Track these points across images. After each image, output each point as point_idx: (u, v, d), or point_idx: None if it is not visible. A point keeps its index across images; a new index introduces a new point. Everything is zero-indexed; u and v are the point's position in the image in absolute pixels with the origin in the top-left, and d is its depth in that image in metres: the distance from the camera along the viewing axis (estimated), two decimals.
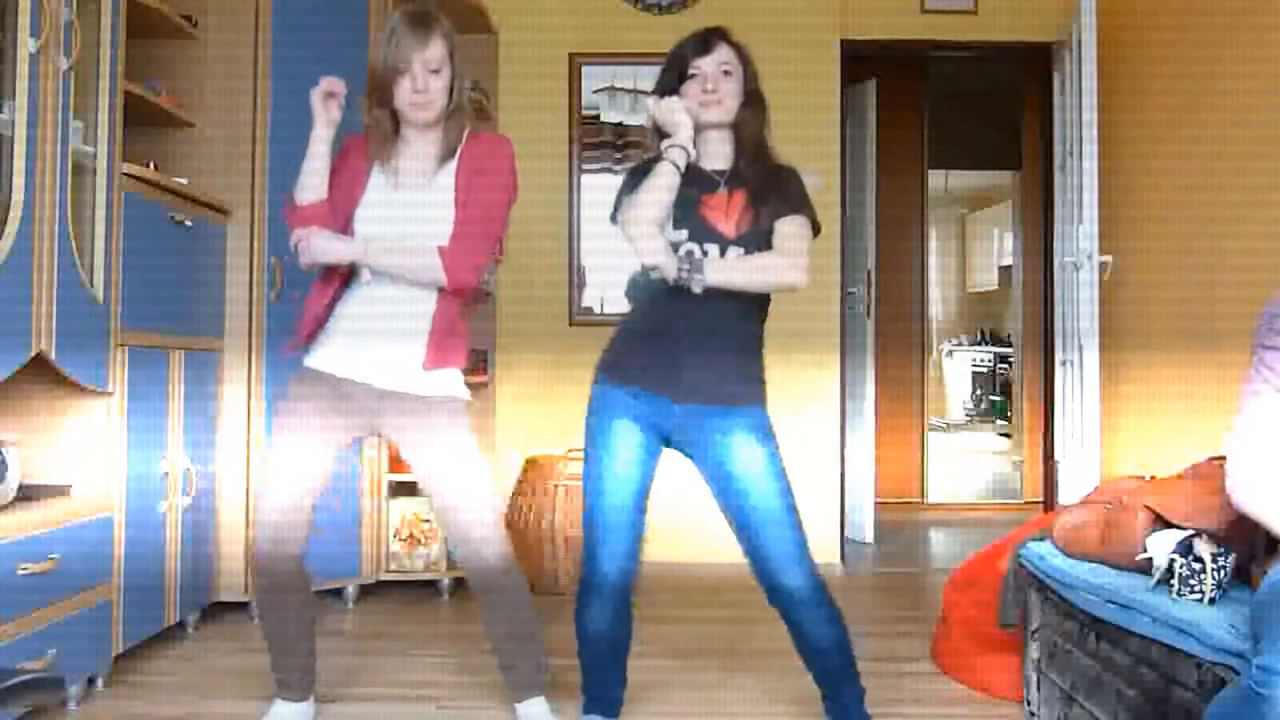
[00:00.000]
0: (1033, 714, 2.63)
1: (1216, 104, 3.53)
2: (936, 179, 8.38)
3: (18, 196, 2.50)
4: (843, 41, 4.92)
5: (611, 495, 2.38)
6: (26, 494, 2.74)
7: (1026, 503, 6.46)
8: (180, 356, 3.33)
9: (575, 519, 4.19)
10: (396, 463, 3.97)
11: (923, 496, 6.78)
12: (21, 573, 2.48)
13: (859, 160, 5.46)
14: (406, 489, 4.07)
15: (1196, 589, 2.02)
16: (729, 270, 2.26)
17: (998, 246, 10.98)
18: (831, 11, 4.91)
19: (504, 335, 4.78)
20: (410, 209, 2.41)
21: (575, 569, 4.18)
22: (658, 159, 2.31)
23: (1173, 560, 2.07)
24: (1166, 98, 3.95)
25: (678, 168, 2.25)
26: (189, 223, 3.37)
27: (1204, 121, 3.63)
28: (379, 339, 2.43)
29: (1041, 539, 2.66)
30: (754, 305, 2.38)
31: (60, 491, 2.88)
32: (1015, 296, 7.33)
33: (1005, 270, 10.17)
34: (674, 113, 2.30)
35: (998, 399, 10.23)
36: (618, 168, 4.88)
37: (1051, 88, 5.02)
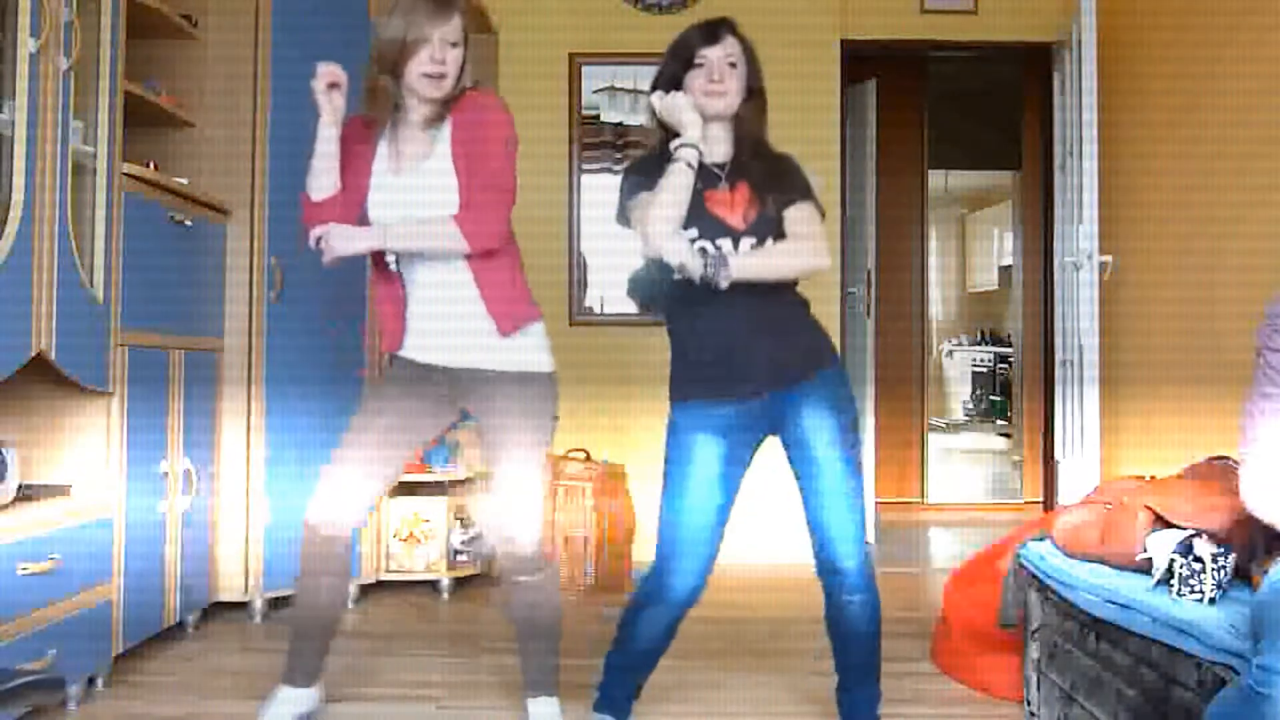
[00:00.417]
0: (1033, 714, 2.63)
1: (1216, 104, 3.53)
2: (936, 179, 8.37)
3: (18, 196, 2.50)
4: (843, 41, 4.92)
5: (691, 514, 2.34)
6: (26, 494, 2.74)
7: (1026, 503, 6.46)
8: (180, 356, 3.33)
9: (575, 519, 4.19)
10: None
11: (923, 496, 6.78)
12: (21, 573, 2.48)
13: (859, 160, 5.46)
14: (406, 489, 4.08)
15: (1196, 589, 2.02)
16: (753, 262, 2.26)
17: (998, 246, 10.98)
18: (831, 11, 4.91)
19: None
20: (416, 189, 2.40)
21: (576, 569, 4.18)
22: (660, 157, 2.30)
23: (1173, 560, 2.07)
24: (1166, 98, 3.95)
25: (691, 167, 2.24)
26: (189, 223, 3.37)
27: (1204, 121, 3.63)
28: (442, 320, 2.45)
29: (1041, 539, 2.66)
30: (785, 282, 2.38)
31: (60, 491, 2.88)
32: (1015, 296, 7.33)
33: (1005, 270, 10.17)
34: (683, 110, 2.28)
35: (998, 399, 10.23)
36: (618, 168, 4.88)
37: (1051, 88, 5.02)
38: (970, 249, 11.93)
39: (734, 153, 2.37)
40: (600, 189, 4.86)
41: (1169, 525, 2.19)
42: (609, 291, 4.85)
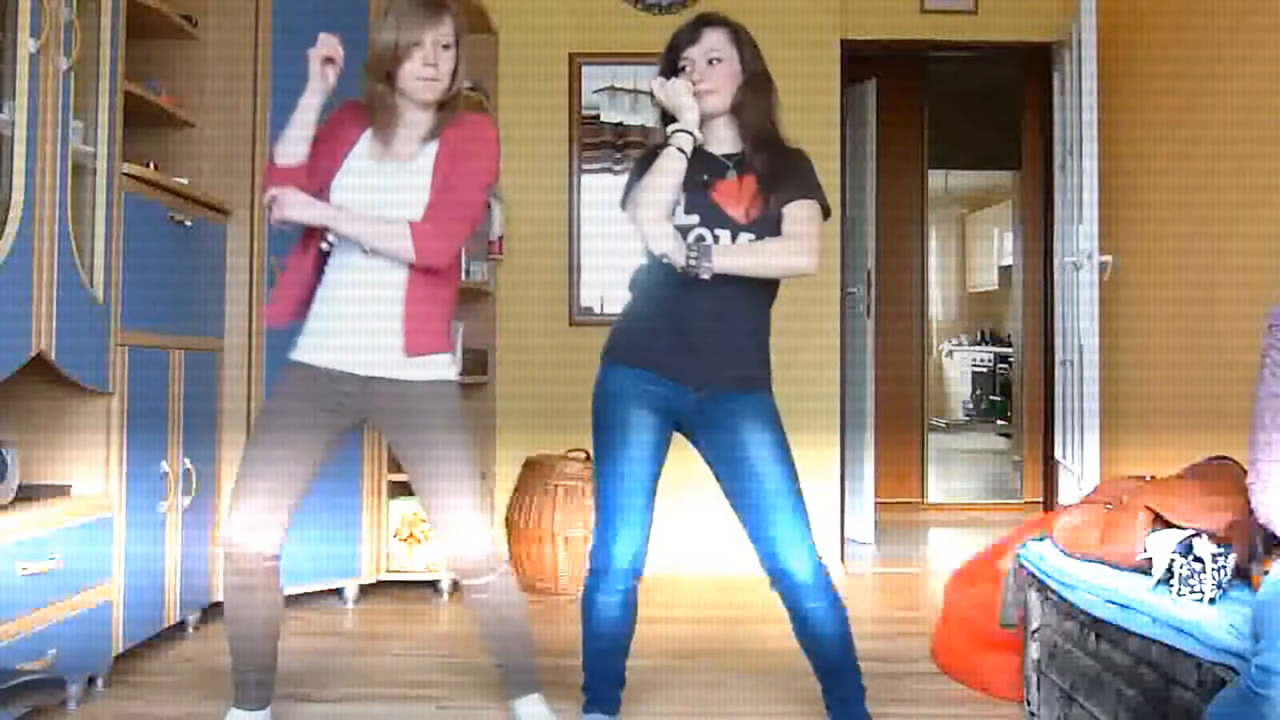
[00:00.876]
0: (1033, 714, 2.63)
1: (1216, 104, 3.53)
2: (936, 179, 8.38)
3: (18, 196, 2.50)
4: (843, 41, 4.92)
5: (628, 481, 2.34)
6: (26, 494, 2.74)
7: (1026, 503, 6.46)
8: (180, 356, 3.33)
9: (575, 519, 4.19)
10: (397, 462, 3.97)
11: (923, 496, 6.78)
12: (21, 573, 2.48)
13: (859, 160, 5.46)
14: (406, 489, 4.07)
15: (1196, 589, 2.02)
16: (736, 256, 2.25)
17: (998, 246, 10.98)
18: (831, 11, 4.91)
19: (504, 335, 4.78)
20: (387, 187, 2.37)
21: (575, 569, 4.18)
22: (665, 145, 2.30)
23: (1173, 560, 2.07)
24: (1166, 98, 3.95)
25: (684, 153, 2.23)
26: (189, 223, 3.37)
27: (1204, 121, 3.62)
28: (354, 321, 2.37)
29: (1041, 539, 2.66)
30: (764, 290, 2.37)
31: (60, 491, 2.88)
32: (1015, 296, 7.33)
33: (1005, 270, 10.17)
34: (679, 95, 2.27)
35: (998, 399, 10.23)
36: (618, 168, 4.87)
37: (1051, 88, 5.02)
38: (970, 249, 11.93)
39: (741, 143, 2.36)
40: (600, 189, 4.86)
41: (1169, 525, 2.19)
42: (609, 291, 4.85)
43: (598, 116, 4.89)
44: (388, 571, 4.08)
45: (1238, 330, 3.20)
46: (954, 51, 5.48)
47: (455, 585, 4.15)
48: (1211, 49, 3.59)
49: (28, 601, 2.51)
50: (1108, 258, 4.00)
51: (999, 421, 9.87)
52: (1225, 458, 2.46)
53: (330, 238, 2.38)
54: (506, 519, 4.35)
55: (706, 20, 2.37)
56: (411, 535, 4.11)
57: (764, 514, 2.31)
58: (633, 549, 2.36)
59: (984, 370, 10.79)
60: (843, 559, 4.88)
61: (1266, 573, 1.85)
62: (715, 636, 3.55)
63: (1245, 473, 2.25)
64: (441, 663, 3.24)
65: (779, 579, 2.34)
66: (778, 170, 2.33)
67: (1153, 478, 2.53)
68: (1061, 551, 2.50)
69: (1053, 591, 2.48)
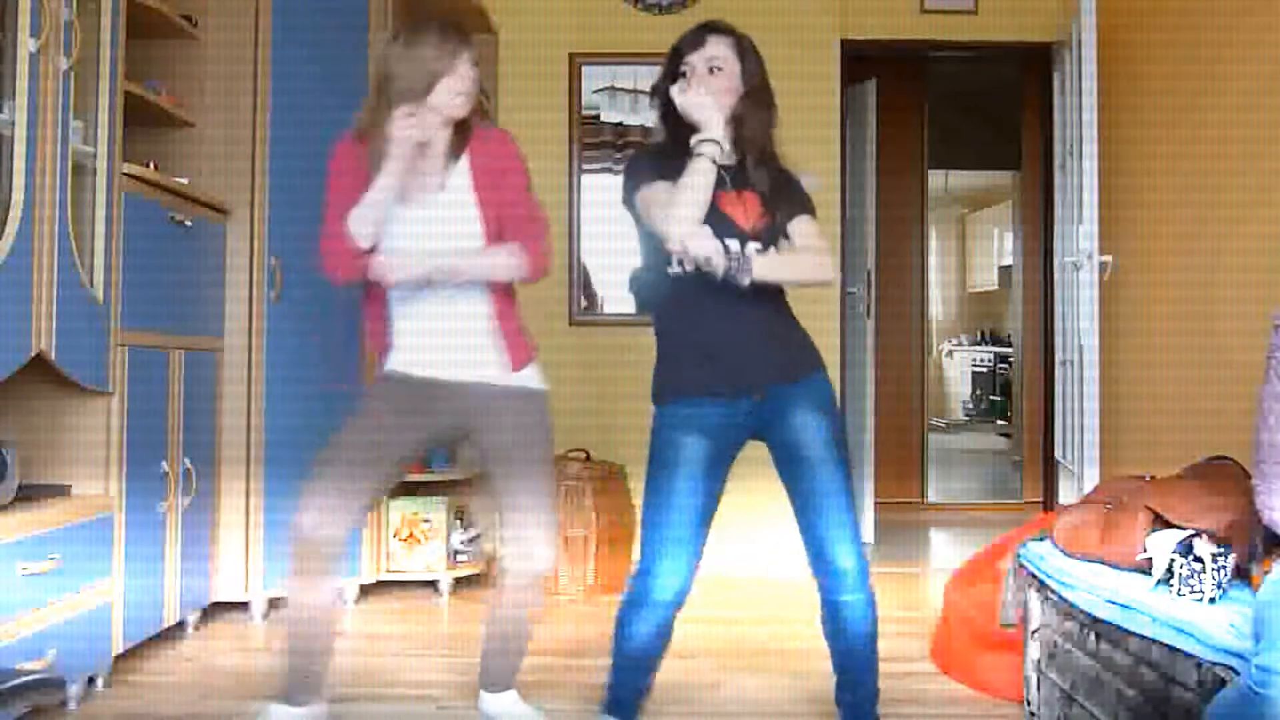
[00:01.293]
0: (1033, 714, 2.63)
1: (1216, 104, 3.53)
2: (936, 179, 8.37)
3: (18, 196, 2.50)
4: (843, 41, 4.92)
5: (677, 514, 2.35)
6: (26, 494, 2.74)
7: (1026, 503, 6.46)
8: (180, 356, 3.33)
9: (575, 519, 4.19)
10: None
11: (923, 496, 6.78)
12: (21, 573, 2.48)
13: (859, 160, 5.46)
14: (407, 489, 4.08)
15: (1196, 589, 2.02)
16: (772, 266, 2.28)
17: (998, 246, 10.98)
18: (831, 11, 4.91)
19: None
20: (430, 221, 2.40)
21: (575, 569, 4.18)
22: (665, 150, 2.31)
23: (1173, 560, 2.07)
24: (1166, 98, 3.95)
25: (714, 163, 2.23)
26: (189, 223, 3.37)
27: (1203, 121, 3.62)
28: (447, 337, 2.46)
29: (1041, 539, 2.65)
30: (776, 288, 2.40)
31: (60, 491, 2.88)
32: (1015, 296, 7.33)
33: (1005, 270, 10.17)
34: (704, 109, 2.25)
35: (998, 399, 10.23)
36: (618, 168, 4.87)
37: (1051, 88, 5.02)
38: (970, 249, 11.93)
39: (736, 155, 2.36)
40: (600, 189, 4.86)
41: (1169, 525, 2.19)
42: (609, 291, 4.85)
43: (598, 116, 4.89)
44: (388, 571, 4.08)
45: (1238, 330, 3.20)
46: (954, 51, 5.48)
47: (459, 584, 4.15)
48: (1211, 49, 3.59)
49: (28, 601, 2.51)
50: (1108, 258, 4.00)
51: (999, 421, 9.87)
52: (1225, 458, 2.46)
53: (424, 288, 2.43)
54: None
55: (712, 27, 2.37)
56: (411, 535, 4.11)
57: (816, 505, 2.33)
58: (677, 583, 2.35)
59: (984, 370, 10.79)
60: None
61: (1267, 573, 1.85)
62: (715, 637, 3.55)
63: (1245, 473, 2.26)
64: (441, 663, 3.24)
65: (825, 570, 2.35)
66: (779, 186, 2.35)
67: (1153, 478, 2.52)
68: (1061, 551, 2.50)
69: (1053, 591, 2.48)
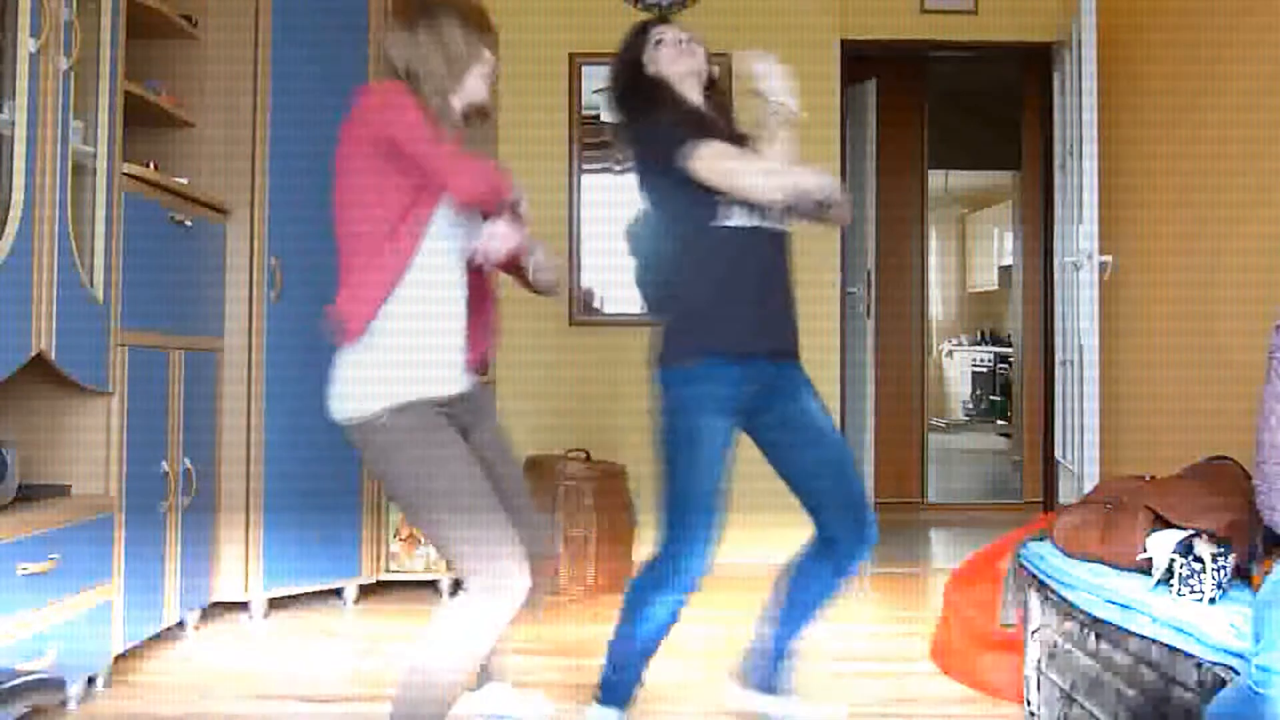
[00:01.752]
0: (1033, 714, 2.63)
1: (1216, 104, 3.53)
2: (936, 179, 8.37)
3: (18, 196, 2.50)
4: (843, 41, 4.92)
5: (707, 498, 2.34)
6: (26, 494, 2.74)
7: (1026, 503, 6.46)
8: (180, 356, 3.33)
9: (576, 519, 4.19)
10: None
11: (923, 496, 6.78)
12: (21, 573, 2.48)
13: (859, 160, 5.46)
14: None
15: (1196, 589, 2.02)
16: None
17: (998, 246, 10.98)
18: (831, 12, 4.91)
19: (504, 335, 4.76)
20: None
21: (575, 568, 4.18)
22: (702, 114, 2.43)
23: (1173, 560, 2.07)
24: (1166, 98, 3.95)
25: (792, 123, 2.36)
26: (189, 223, 3.37)
27: (1204, 121, 3.62)
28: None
29: (1041, 539, 2.65)
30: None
31: (60, 491, 2.88)
32: (1015, 296, 7.33)
33: (1005, 270, 10.17)
34: (768, 61, 2.35)
35: (998, 399, 10.23)
36: (618, 168, 4.87)
37: (1051, 88, 5.02)
38: (970, 249, 11.93)
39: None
40: (600, 189, 4.85)
41: (1169, 525, 2.19)
42: (609, 291, 4.85)
43: (598, 116, 4.89)
44: (388, 571, 4.08)
45: (1238, 330, 3.21)
46: (954, 51, 5.48)
47: (459, 584, 4.14)
48: (1211, 49, 3.59)
49: (28, 601, 2.51)
50: (1108, 258, 4.00)
51: (999, 421, 9.87)
52: (1225, 458, 2.46)
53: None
54: None
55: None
56: (411, 535, 4.10)
57: (838, 475, 2.43)
58: (703, 565, 2.36)
59: (984, 370, 10.79)
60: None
61: (1267, 573, 1.85)
62: (717, 637, 3.55)
63: (1245, 473, 2.26)
64: None
65: (851, 520, 2.42)
66: None
67: (1153, 478, 2.52)
68: (1061, 551, 2.50)
69: (1053, 591, 2.48)
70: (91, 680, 2.86)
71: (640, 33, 2.52)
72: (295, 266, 3.67)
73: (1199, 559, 2.04)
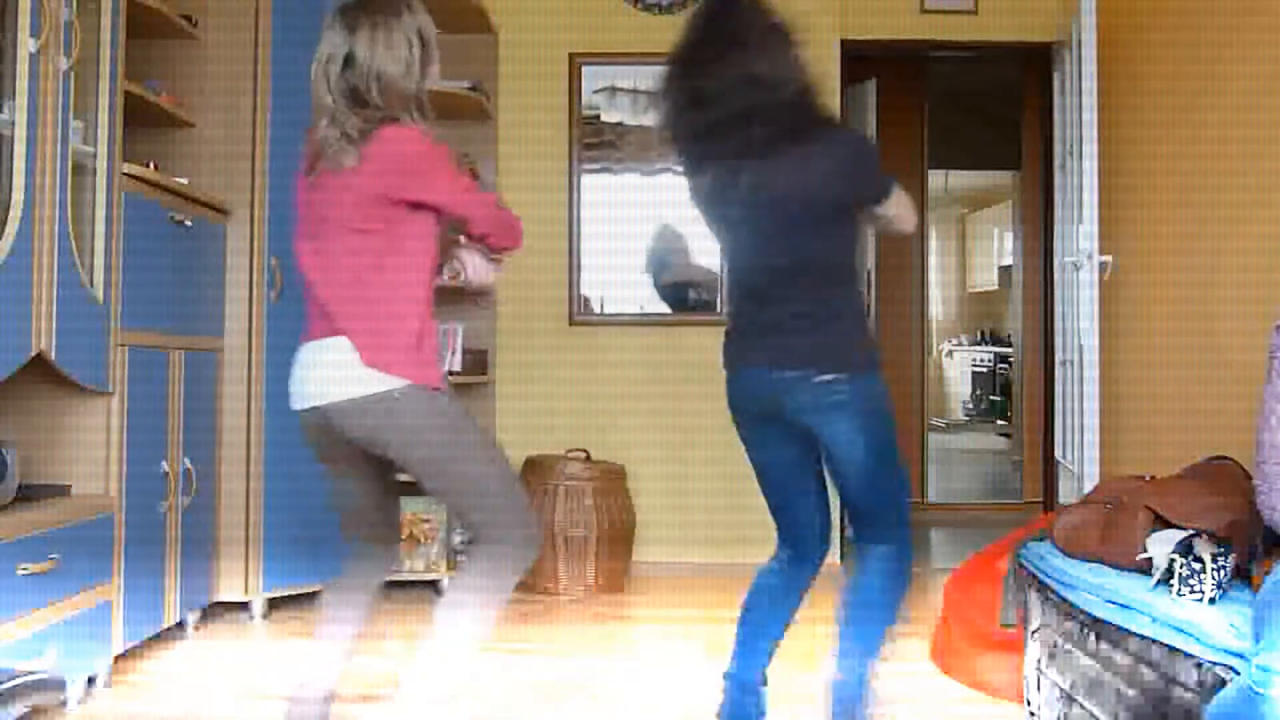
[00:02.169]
0: (1033, 714, 2.63)
1: (1217, 104, 3.53)
2: (936, 179, 8.37)
3: (18, 196, 2.50)
4: (843, 41, 4.92)
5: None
6: (26, 494, 2.74)
7: (1026, 503, 6.46)
8: (180, 356, 3.33)
9: (576, 519, 4.19)
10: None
11: (923, 496, 6.78)
12: (21, 573, 2.48)
13: None
14: (406, 489, 4.06)
15: (1196, 589, 2.02)
16: None
17: (998, 246, 10.98)
18: (831, 12, 4.90)
19: (504, 335, 4.77)
20: None
21: (575, 569, 4.18)
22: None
23: (1173, 560, 2.07)
24: (1166, 98, 3.95)
25: None
26: (189, 223, 3.37)
27: (1204, 121, 3.62)
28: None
29: (1041, 539, 2.65)
30: None
31: (60, 491, 2.88)
32: (1015, 296, 7.33)
33: (1005, 270, 10.17)
34: None
35: (998, 399, 10.22)
36: (618, 168, 4.87)
37: (1051, 88, 5.01)
38: (970, 249, 11.93)
39: None
40: (600, 189, 4.85)
41: (1169, 525, 2.19)
42: (609, 292, 4.85)
43: (598, 116, 4.89)
44: (387, 571, 4.07)
45: (1238, 330, 3.20)
46: (954, 51, 5.48)
47: None
48: (1212, 49, 3.59)
49: (28, 601, 2.51)
50: (1108, 258, 4.00)
51: (999, 421, 9.87)
52: (1225, 458, 2.46)
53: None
54: None
55: None
56: (411, 535, 4.11)
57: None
58: None
59: (984, 370, 10.79)
60: (843, 559, 4.87)
61: (1267, 573, 1.85)
62: (717, 637, 3.54)
63: (1245, 473, 2.26)
64: None
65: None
66: None
67: (1153, 478, 2.52)
68: (1061, 551, 2.50)
69: (1053, 591, 2.48)
70: (91, 680, 2.86)
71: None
72: (295, 266, 3.67)
73: (1199, 559, 2.04)
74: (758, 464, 2.40)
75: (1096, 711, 2.26)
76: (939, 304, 11.42)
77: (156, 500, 3.19)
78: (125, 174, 3.00)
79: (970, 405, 11.12)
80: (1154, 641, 2.02)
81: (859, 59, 5.15)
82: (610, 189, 4.86)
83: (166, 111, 3.44)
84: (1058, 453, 4.72)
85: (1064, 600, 2.41)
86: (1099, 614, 2.23)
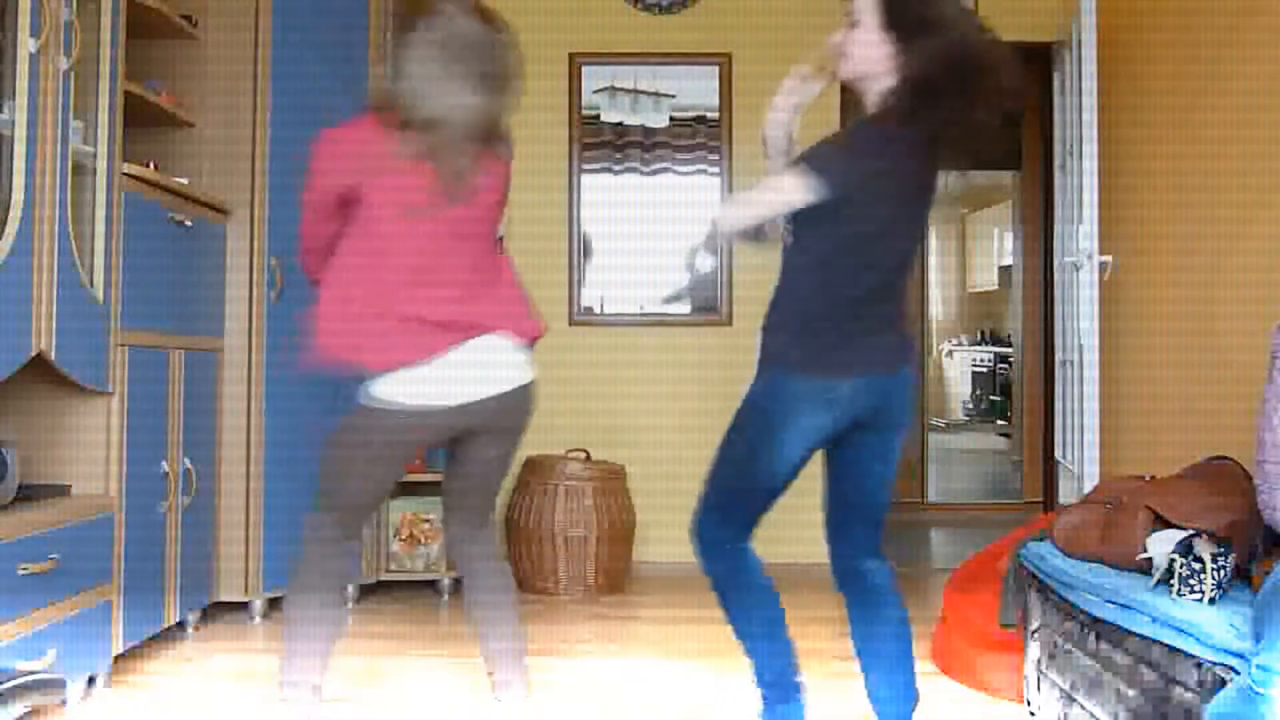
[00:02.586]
0: (1032, 714, 2.63)
1: (1218, 104, 3.53)
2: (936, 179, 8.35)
3: (18, 196, 2.50)
4: None
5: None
6: (26, 494, 2.74)
7: (1026, 503, 6.46)
8: (180, 356, 3.33)
9: (576, 519, 4.19)
10: None
11: (923, 496, 6.78)
12: (21, 573, 2.48)
13: None
14: (407, 489, 4.08)
15: (1196, 589, 2.02)
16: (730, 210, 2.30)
17: (998, 246, 10.97)
18: (832, 12, 4.89)
19: None
20: None
21: (575, 569, 4.18)
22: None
23: (1173, 560, 2.07)
24: (1167, 98, 3.95)
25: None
26: (189, 223, 3.37)
27: (1205, 121, 3.62)
28: None
29: (1041, 539, 2.66)
30: (797, 256, 2.25)
31: (60, 491, 2.88)
32: (1015, 296, 7.33)
33: (1005, 270, 10.16)
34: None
35: (998, 399, 10.22)
36: (618, 168, 4.87)
37: (1051, 88, 5.01)
38: (970, 249, 11.93)
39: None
40: (600, 189, 4.86)
41: (1169, 525, 2.19)
42: (609, 292, 4.85)
43: (598, 116, 4.89)
44: (388, 571, 4.08)
45: (1238, 330, 3.20)
46: None
47: (458, 584, 4.14)
48: (1212, 49, 3.59)
49: (28, 601, 2.51)
50: (1108, 258, 4.00)
51: (999, 421, 9.87)
52: (1225, 458, 2.46)
53: None
54: (506, 519, 4.35)
55: None
56: (411, 535, 4.11)
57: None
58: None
59: (984, 370, 10.79)
60: None
61: (1267, 573, 1.85)
62: (720, 637, 3.54)
63: (1245, 473, 2.26)
64: (441, 663, 3.24)
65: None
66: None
67: (1153, 478, 2.53)
68: (1061, 551, 2.50)
69: (1053, 591, 2.48)
70: (91, 680, 2.86)
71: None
72: (295, 266, 3.66)
73: (1199, 559, 2.04)
74: (799, 463, 2.23)
75: (1096, 711, 2.26)
76: (939, 304, 11.42)
77: (156, 500, 3.19)
78: (125, 174, 3.00)
79: (970, 405, 11.12)
80: (1154, 641, 2.02)
81: None
82: (610, 189, 4.87)
83: (166, 111, 3.44)
84: (1058, 453, 4.72)
85: (1064, 600, 2.41)
86: (1099, 614, 2.23)
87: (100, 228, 2.88)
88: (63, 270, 2.67)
